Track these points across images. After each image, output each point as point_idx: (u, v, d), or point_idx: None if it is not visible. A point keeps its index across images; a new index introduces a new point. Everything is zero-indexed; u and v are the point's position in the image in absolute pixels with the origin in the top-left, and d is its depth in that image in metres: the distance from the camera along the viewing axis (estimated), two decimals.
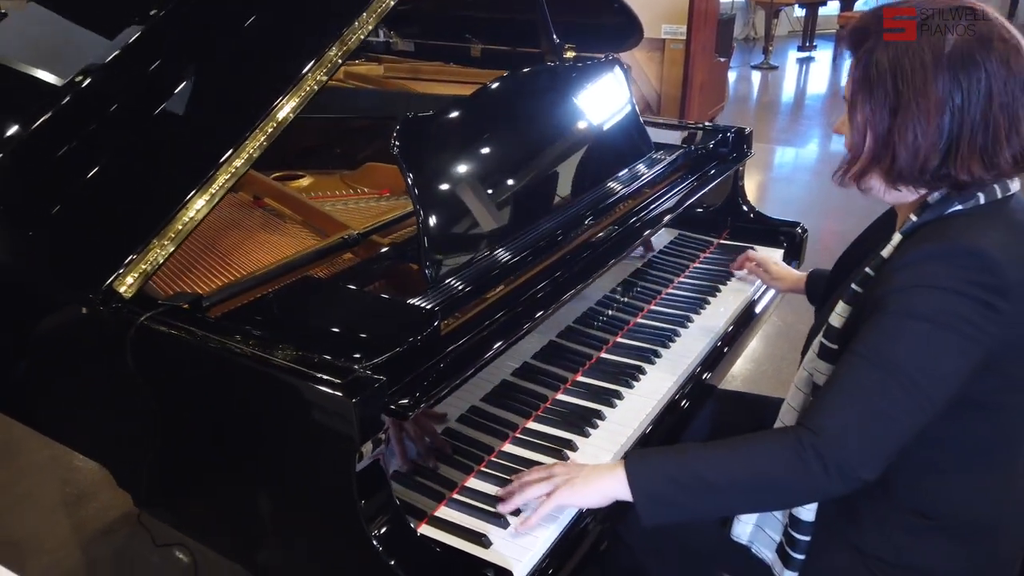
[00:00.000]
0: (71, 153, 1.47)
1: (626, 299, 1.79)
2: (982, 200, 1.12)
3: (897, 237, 1.17)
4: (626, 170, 1.85)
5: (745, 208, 2.24)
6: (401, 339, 1.13)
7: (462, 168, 1.46)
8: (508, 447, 1.39)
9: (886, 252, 1.17)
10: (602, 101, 1.88)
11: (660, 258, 1.98)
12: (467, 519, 1.22)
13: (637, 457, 1.19)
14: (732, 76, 7.99)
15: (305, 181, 2.12)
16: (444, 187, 1.42)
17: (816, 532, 1.26)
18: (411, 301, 1.28)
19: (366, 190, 2.06)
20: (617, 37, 2.86)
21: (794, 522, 1.27)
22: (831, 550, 1.27)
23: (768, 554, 1.32)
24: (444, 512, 1.24)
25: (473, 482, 1.30)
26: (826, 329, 1.23)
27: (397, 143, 1.33)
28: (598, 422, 1.44)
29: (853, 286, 1.20)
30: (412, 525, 1.13)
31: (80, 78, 1.58)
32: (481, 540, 1.17)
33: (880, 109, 1.10)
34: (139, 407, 1.27)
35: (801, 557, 1.27)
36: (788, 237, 2.19)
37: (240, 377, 1.13)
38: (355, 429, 1.00)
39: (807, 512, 1.25)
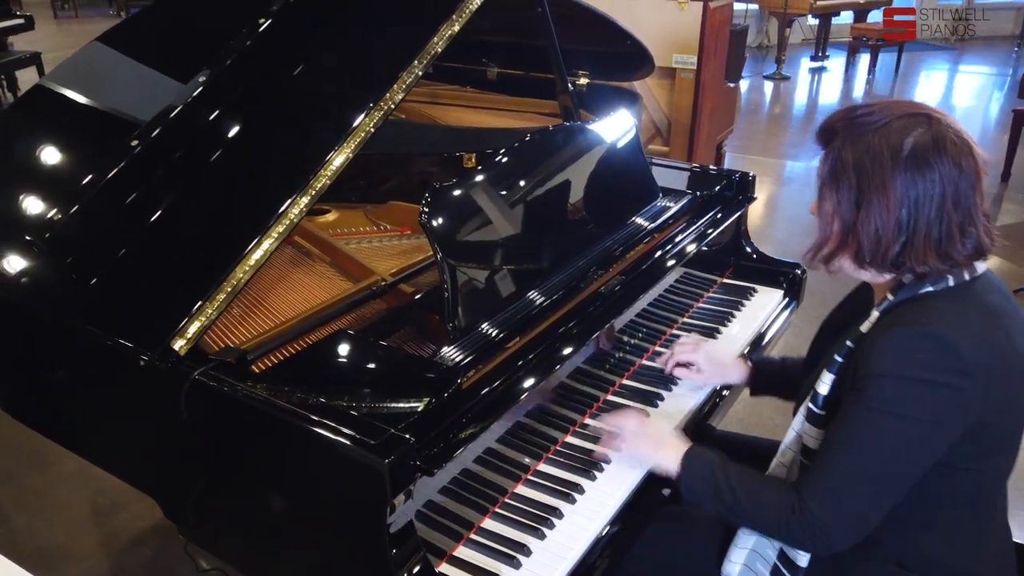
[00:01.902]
0: (136, 207, 1.60)
1: (632, 341, 1.91)
2: (951, 282, 1.24)
3: (875, 314, 1.29)
4: (635, 219, 1.97)
5: (748, 249, 2.35)
6: (427, 398, 1.26)
7: (483, 232, 1.59)
8: (520, 489, 1.51)
9: (865, 327, 1.29)
10: (614, 157, 1.99)
11: (665, 297, 2.09)
12: (483, 559, 1.35)
13: (698, 451, 1.41)
14: (744, 86, 8.07)
15: (331, 216, 2.25)
16: (467, 251, 1.54)
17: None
18: (436, 357, 1.40)
19: (388, 227, 2.18)
20: (629, 67, 2.98)
21: (786, 563, 1.39)
22: None
23: None
24: (462, 552, 1.37)
25: (488, 523, 1.43)
26: (813, 395, 1.35)
27: (425, 211, 1.46)
28: (604, 465, 1.56)
29: (836, 357, 1.32)
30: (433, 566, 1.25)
31: (138, 127, 1.69)
32: None
33: (845, 201, 1.24)
34: (188, 450, 1.40)
35: None
36: (787, 278, 2.30)
37: (281, 431, 1.26)
38: (387, 485, 1.12)
39: (803, 558, 1.37)
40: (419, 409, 1.25)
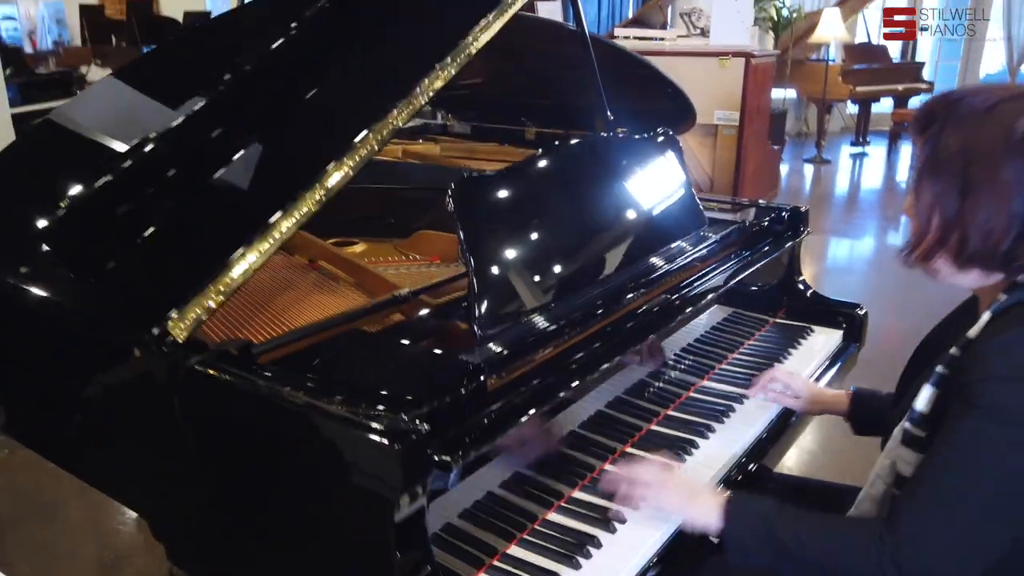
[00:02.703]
0: (131, 211, 1.53)
1: (676, 373, 1.75)
2: None
3: (986, 316, 1.11)
4: (678, 243, 1.83)
5: (801, 287, 2.19)
6: (447, 391, 1.11)
7: (514, 228, 1.46)
8: (552, 515, 1.33)
9: (973, 332, 1.11)
10: (656, 173, 1.88)
11: (712, 335, 1.93)
12: None
13: (740, 499, 1.20)
14: (784, 169, 8.01)
15: (359, 248, 2.16)
16: (495, 246, 1.41)
17: None
18: (459, 356, 1.26)
19: (418, 257, 2.08)
20: (670, 120, 2.90)
21: None
22: None
23: None
24: None
25: (515, 550, 1.25)
26: (910, 414, 1.16)
27: (452, 199, 1.34)
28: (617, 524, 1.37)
29: (939, 369, 1.14)
30: None
31: (142, 144, 1.64)
32: None
33: (948, 192, 1.09)
34: (179, 454, 1.25)
35: None
36: (847, 318, 2.12)
37: (283, 422, 1.11)
38: (397, 477, 0.96)
39: None
40: (437, 402, 1.10)
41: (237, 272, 1.25)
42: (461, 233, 1.34)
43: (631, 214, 1.74)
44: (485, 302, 1.34)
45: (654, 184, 1.86)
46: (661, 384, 1.69)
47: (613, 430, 1.52)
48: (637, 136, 1.88)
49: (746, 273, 1.90)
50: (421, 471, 1.00)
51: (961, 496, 1.03)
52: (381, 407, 1.05)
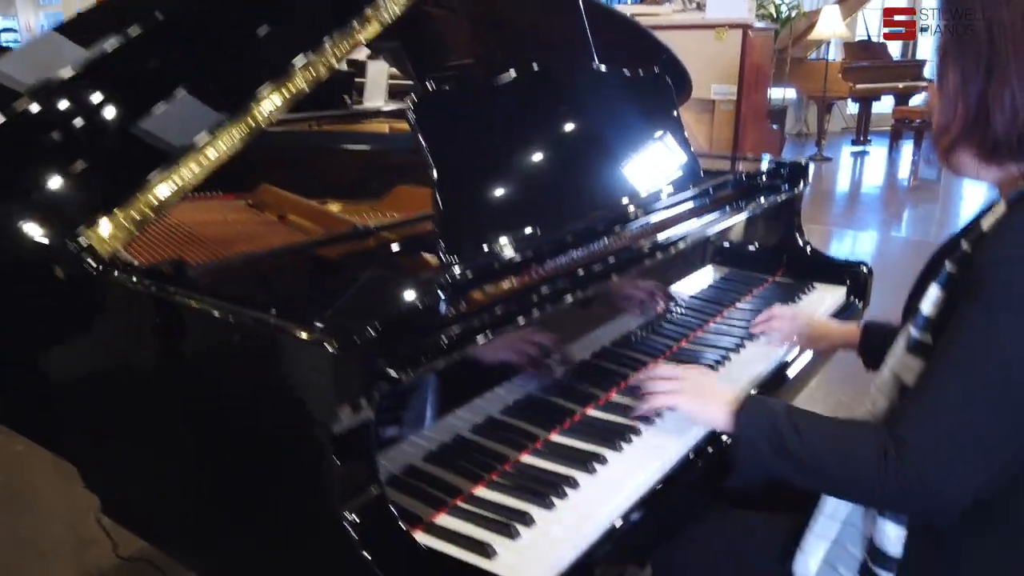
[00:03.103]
0: (54, 136, 1.40)
1: (668, 325, 1.62)
2: None
3: (1001, 206, 1.00)
4: (668, 186, 1.70)
5: (801, 243, 2.06)
6: (400, 305, 0.98)
7: (485, 147, 1.33)
8: (527, 457, 1.20)
9: (987, 224, 1.00)
10: (649, 113, 1.75)
11: (706, 291, 1.80)
12: (471, 528, 1.03)
13: (756, 401, 1.14)
14: None
15: (334, 207, 2.05)
16: (464, 163, 1.28)
17: (902, 570, 1.03)
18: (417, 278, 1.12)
19: (396, 215, 1.97)
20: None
21: (876, 556, 1.04)
22: None
23: None
24: (444, 520, 1.05)
25: (483, 491, 1.11)
26: (916, 319, 1.04)
27: (413, 111, 1.21)
28: (632, 437, 1.24)
29: (947, 267, 1.02)
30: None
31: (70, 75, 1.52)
32: (484, 550, 0.97)
33: (973, 69, 0.99)
34: (107, 389, 1.13)
35: None
36: (851, 275, 1.99)
37: (212, 335, 0.99)
38: (331, 382, 0.84)
39: (893, 545, 1.03)
40: (387, 316, 0.97)
41: (164, 191, 1.13)
42: (425, 145, 1.21)
43: (617, 151, 1.61)
44: (450, 221, 1.21)
45: (646, 124, 1.73)
46: (649, 335, 1.56)
47: (596, 378, 1.39)
48: (628, 72, 1.76)
49: (738, 220, 1.77)
50: (363, 381, 0.87)
51: (969, 397, 0.92)
52: (322, 319, 0.92)
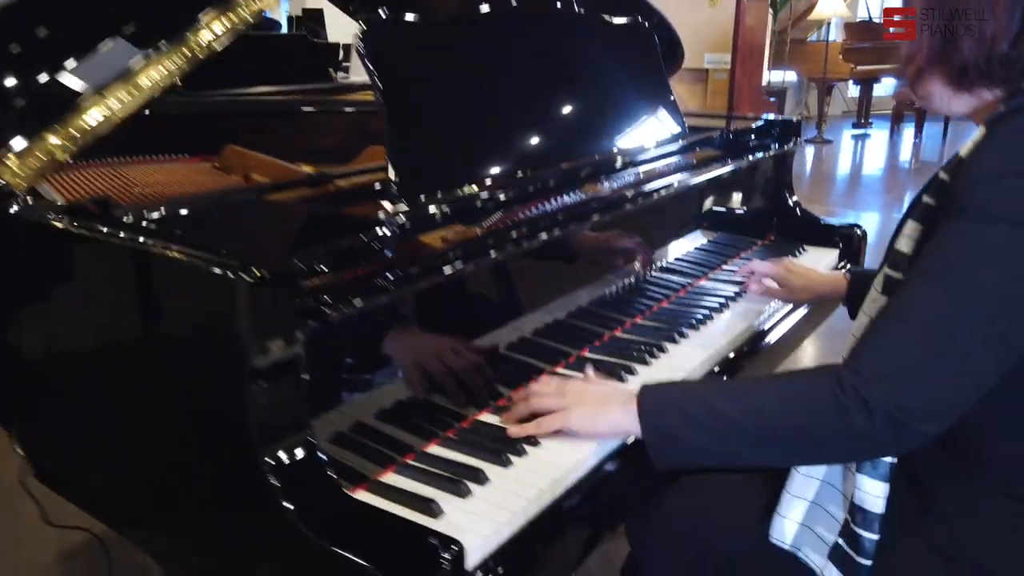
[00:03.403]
0: None
1: (645, 288, 1.53)
2: None
3: (979, 131, 0.91)
4: (648, 138, 1.61)
5: (791, 203, 1.97)
6: (335, 243, 0.89)
7: (446, 83, 1.24)
8: (486, 416, 1.11)
9: (964, 151, 0.91)
10: (629, 60, 1.66)
11: (688, 255, 1.71)
12: (417, 485, 0.94)
13: (652, 387, 0.99)
14: None
15: (306, 168, 1.97)
16: (419, 98, 1.19)
17: (885, 527, 0.95)
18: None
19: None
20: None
21: (858, 515, 0.96)
22: (905, 552, 0.95)
23: (818, 560, 1.00)
24: (391, 478, 0.96)
25: (436, 449, 1.03)
26: (892, 256, 0.96)
27: (362, 38, 1.12)
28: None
29: (924, 198, 0.95)
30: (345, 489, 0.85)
31: None
32: (430, 507, 0.88)
33: None
34: (35, 337, 1.04)
35: (866, 563, 0.95)
36: (844, 238, 1.90)
37: (132, 272, 0.90)
38: (249, 315, 0.75)
39: (874, 501, 0.94)
40: (323, 250, 0.88)
41: (92, 118, 1.04)
42: (374, 75, 1.11)
43: (593, 97, 1.52)
44: (402, 161, 1.11)
45: (625, 70, 1.63)
46: (625, 296, 1.46)
47: (565, 335, 1.31)
48: (608, 18, 1.66)
49: (722, 173, 1.68)
50: (286, 315, 0.78)
51: (935, 311, 0.84)
52: (242, 252, 0.83)
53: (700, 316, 1.44)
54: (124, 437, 0.99)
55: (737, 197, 1.92)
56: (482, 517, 0.88)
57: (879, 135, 9.03)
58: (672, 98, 1.75)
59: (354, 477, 0.94)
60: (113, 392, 0.97)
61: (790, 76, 9.25)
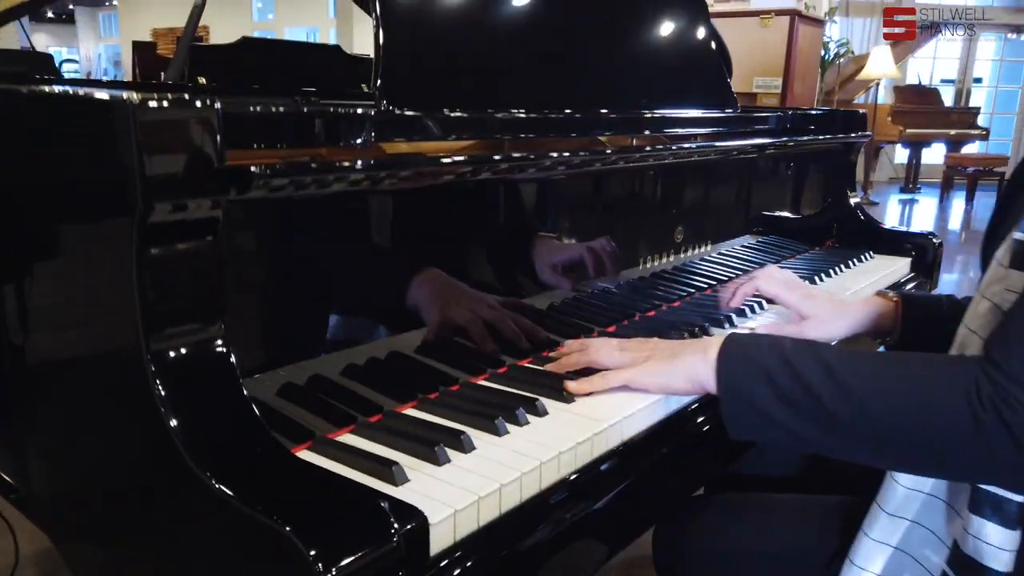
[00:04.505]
0: None
1: (667, 284, 1.29)
2: None
3: None
4: (694, 103, 1.39)
5: (855, 208, 1.73)
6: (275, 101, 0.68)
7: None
8: (482, 381, 0.88)
9: None
10: (679, 16, 1.45)
11: (730, 254, 1.46)
12: (376, 447, 0.71)
13: (739, 339, 0.79)
14: None
15: None
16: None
17: None
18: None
19: None
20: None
21: (967, 568, 0.70)
22: None
23: None
24: (346, 437, 0.73)
25: (411, 411, 0.80)
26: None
27: None
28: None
29: None
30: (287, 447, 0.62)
31: None
32: (390, 471, 0.65)
33: None
34: None
35: None
36: (918, 248, 1.65)
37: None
38: (132, 146, 0.53)
39: (996, 554, 0.69)
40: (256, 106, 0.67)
41: None
42: None
43: (631, 43, 1.31)
44: (391, 59, 0.91)
45: (674, 25, 1.43)
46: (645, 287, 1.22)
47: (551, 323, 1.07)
48: None
49: (776, 143, 1.45)
50: (194, 161, 0.56)
51: None
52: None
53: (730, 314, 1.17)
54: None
55: (792, 196, 1.69)
56: (460, 489, 0.64)
57: (927, 201, 8.72)
58: (724, 67, 1.54)
59: (298, 435, 0.71)
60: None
61: None
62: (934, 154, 9.09)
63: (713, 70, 1.52)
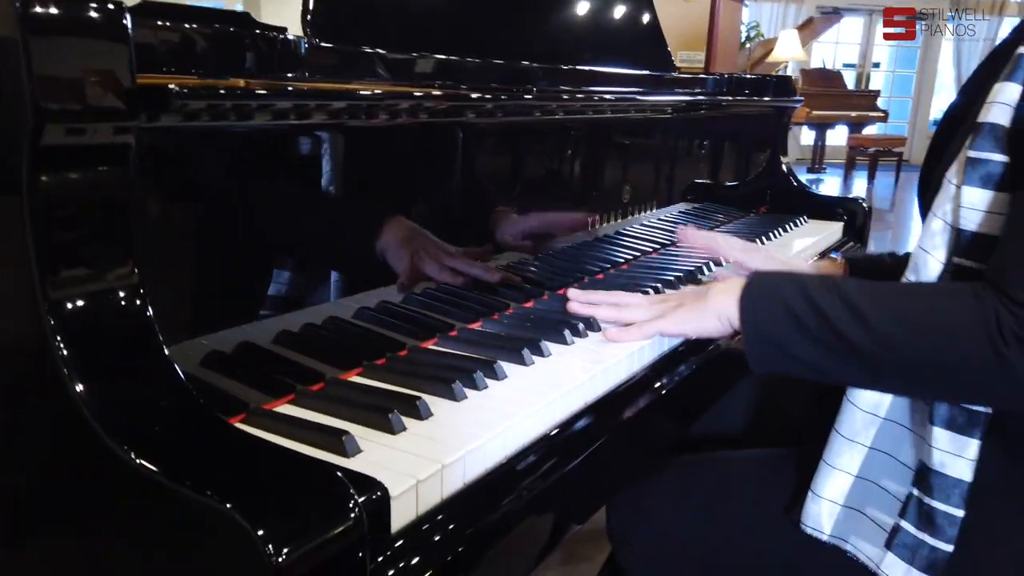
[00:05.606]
0: None
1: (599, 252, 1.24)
2: None
3: None
4: (630, 64, 1.35)
5: (785, 170, 1.72)
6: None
7: None
8: (432, 345, 0.81)
9: None
10: None
11: (663, 221, 1.42)
12: (322, 417, 0.63)
13: (763, 277, 0.79)
14: None
15: None
16: None
17: (975, 502, 0.67)
18: None
19: None
20: None
21: (934, 484, 0.68)
22: (1000, 533, 0.68)
23: (873, 551, 0.71)
24: (285, 408, 0.65)
25: (357, 378, 0.72)
26: (975, 138, 0.69)
27: None
28: (586, 331, 0.86)
29: (1020, 50, 0.68)
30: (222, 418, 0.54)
31: None
32: (340, 441, 0.57)
33: None
34: None
35: (946, 548, 0.67)
36: (848, 212, 1.66)
37: None
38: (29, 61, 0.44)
39: (958, 463, 0.67)
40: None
41: None
42: None
43: (568, 14, 1.26)
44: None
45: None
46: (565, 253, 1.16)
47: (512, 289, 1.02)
48: None
49: (708, 100, 1.42)
50: (102, 76, 0.47)
51: None
52: None
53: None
54: None
55: (728, 162, 1.67)
56: (420, 458, 0.57)
57: (832, 180, 9.06)
58: (662, 35, 1.51)
59: (228, 407, 0.63)
60: None
61: None
62: (838, 135, 9.44)
63: (655, 38, 1.48)
